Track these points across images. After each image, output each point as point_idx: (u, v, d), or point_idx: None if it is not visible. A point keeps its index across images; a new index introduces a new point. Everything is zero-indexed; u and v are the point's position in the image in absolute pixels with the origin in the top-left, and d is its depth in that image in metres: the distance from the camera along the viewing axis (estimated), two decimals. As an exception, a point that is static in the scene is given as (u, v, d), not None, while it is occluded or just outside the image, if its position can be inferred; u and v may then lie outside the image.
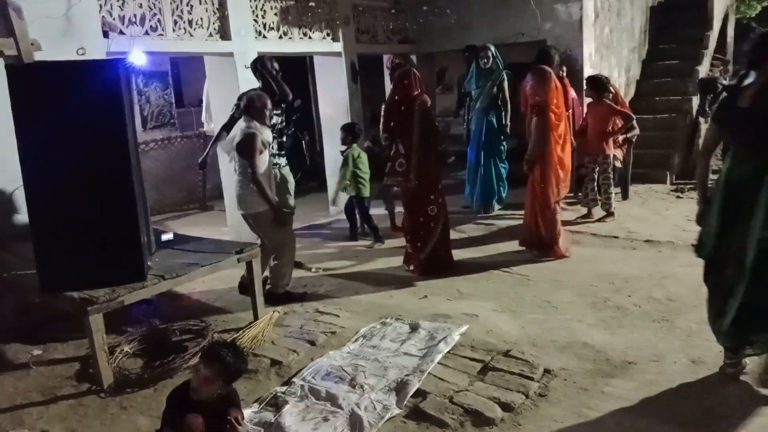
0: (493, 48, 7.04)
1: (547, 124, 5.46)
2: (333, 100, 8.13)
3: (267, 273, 5.00)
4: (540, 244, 5.73)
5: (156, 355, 3.94)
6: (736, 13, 12.73)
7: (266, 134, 4.71)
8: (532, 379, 3.42)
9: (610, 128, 6.61)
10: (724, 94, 7.86)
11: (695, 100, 8.71)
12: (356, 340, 4.05)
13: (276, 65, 5.42)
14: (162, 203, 8.86)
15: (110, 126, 3.45)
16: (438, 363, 3.65)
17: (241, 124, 4.74)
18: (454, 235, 6.04)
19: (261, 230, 4.84)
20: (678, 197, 7.60)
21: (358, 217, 6.82)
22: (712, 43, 9.87)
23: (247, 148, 4.55)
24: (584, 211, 6.91)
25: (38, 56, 4.70)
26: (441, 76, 7.87)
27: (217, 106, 7.12)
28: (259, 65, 5.36)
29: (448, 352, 3.78)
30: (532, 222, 5.73)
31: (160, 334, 4.29)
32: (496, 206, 7.42)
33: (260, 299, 4.47)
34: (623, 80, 9.06)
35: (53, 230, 3.53)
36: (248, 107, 4.71)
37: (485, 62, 7.00)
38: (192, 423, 2.62)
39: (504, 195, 7.48)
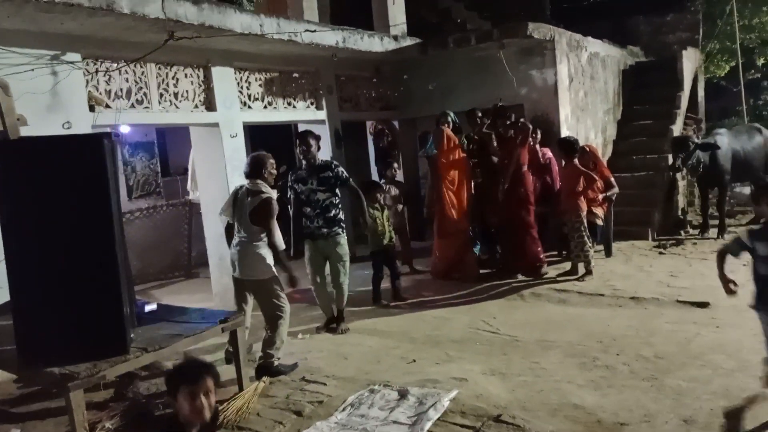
0: (452, 114, 7.35)
1: (438, 173, 7.05)
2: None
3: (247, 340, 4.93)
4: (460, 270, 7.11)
5: (138, 430, 3.83)
6: (705, 73, 13.22)
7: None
8: (523, 444, 3.36)
9: (580, 188, 6.74)
10: (697, 151, 8.12)
11: (671, 158, 8.93)
12: (344, 410, 3.97)
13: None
14: (147, 271, 8.79)
15: (95, 200, 3.46)
16: (428, 431, 3.58)
17: (249, 187, 4.69)
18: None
19: (262, 298, 4.76)
20: (661, 253, 7.68)
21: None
22: (684, 102, 10.21)
23: (267, 214, 4.56)
24: (568, 267, 6.98)
25: (24, 131, 4.76)
26: (423, 140, 8.05)
27: (202, 174, 7.19)
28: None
29: (438, 418, 3.71)
30: (448, 253, 7.16)
31: (143, 408, 4.17)
32: None
33: (245, 369, 4.39)
34: (600, 141, 9.30)
35: (34, 304, 3.48)
36: (255, 167, 4.69)
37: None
38: None
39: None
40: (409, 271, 7.75)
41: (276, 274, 4.77)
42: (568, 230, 6.82)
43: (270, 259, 4.72)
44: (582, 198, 6.74)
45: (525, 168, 6.87)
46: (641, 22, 12.60)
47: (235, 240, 4.79)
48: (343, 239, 5.67)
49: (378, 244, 6.52)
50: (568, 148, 6.87)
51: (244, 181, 4.80)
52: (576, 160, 6.79)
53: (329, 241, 5.58)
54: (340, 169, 5.64)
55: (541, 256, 7.01)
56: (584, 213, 6.74)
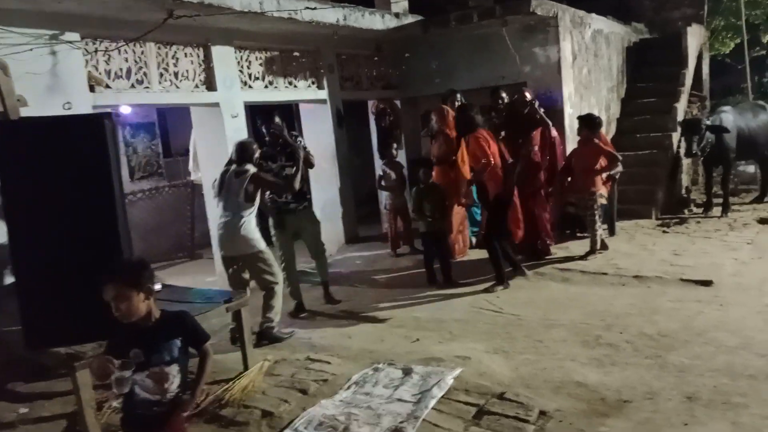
0: (458, 93, 7.41)
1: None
2: (319, 146, 8.20)
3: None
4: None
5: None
6: (710, 50, 13.09)
7: None
8: (527, 422, 3.38)
9: (598, 167, 6.70)
10: (708, 133, 8.05)
11: (675, 136, 8.88)
12: (348, 388, 4.00)
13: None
14: (150, 253, 8.75)
15: (97, 180, 3.45)
16: (432, 408, 3.60)
17: (237, 170, 4.93)
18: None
19: (254, 270, 4.93)
20: (664, 232, 7.67)
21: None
22: (689, 80, 10.11)
23: (262, 181, 4.89)
24: (570, 246, 6.95)
25: (25, 112, 4.73)
26: (425, 120, 8.00)
27: (203, 155, 7.16)
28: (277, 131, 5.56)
29: (442, 396, 3.74)
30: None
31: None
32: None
33: (250, 349, 4.42)
34: (603, 118, 9.18)
35: (38, 285, 3.49)
36: (244, 153, 4.95)
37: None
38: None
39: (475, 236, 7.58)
40: (410, 251, 7.76)
41: (265, 246, 4.96)
42: (579, 209, 6.76)
43: (256, 233, 4.90)
44: (599, 177, 6.72)
45: (536, 148, 6.81)
46: (645, -2, 12.44)
47: (219, 221, 4.95)
48: (312, 211, 5.82)
49: (429, 224, 6.50)
50: (592, 124, 6.80)
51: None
52: (595, 139, 6.75)
53: (298, 214, 5.64)
54: (300, 138, 5.81)
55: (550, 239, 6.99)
56: (599, 192, 6.69)
